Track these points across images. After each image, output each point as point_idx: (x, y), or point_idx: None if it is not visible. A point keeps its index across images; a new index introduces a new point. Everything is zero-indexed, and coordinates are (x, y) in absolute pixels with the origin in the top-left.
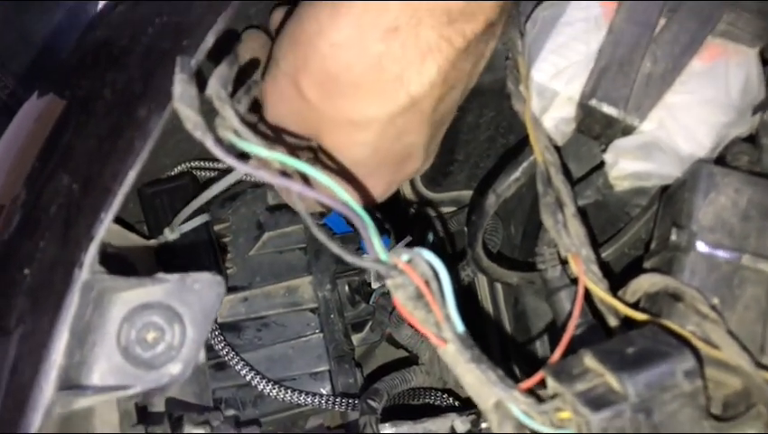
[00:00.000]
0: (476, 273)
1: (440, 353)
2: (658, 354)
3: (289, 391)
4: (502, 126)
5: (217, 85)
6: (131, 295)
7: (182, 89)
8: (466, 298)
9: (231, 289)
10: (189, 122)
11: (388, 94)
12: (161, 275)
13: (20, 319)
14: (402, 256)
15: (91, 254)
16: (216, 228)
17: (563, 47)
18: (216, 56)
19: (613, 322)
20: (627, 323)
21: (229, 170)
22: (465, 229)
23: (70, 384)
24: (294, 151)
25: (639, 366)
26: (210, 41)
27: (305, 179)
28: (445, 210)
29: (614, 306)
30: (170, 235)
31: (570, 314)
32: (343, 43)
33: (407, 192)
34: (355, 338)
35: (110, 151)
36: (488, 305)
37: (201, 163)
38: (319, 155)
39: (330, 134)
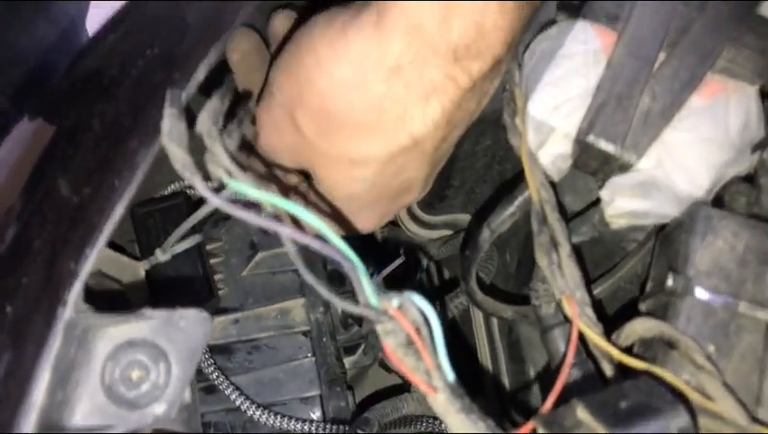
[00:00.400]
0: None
1: (430, 401)
2: (651, 410)
3: (279, 416)
4: (499, 154)
5: (208, 121)
6: (116, 331)
7: (170, 125)
8: (460, 326)
9: (222, 311)
10: (177, 162)
11: (390, 134)
12: (147, 311)
13: (0, 358)
14: (393, 301)
15: (75, 291)
16: (208, 247)
17: (561, 80)
18: (207, 87)
19: (607, 367)
20: (621, 367)
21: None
22: (460, 259)
23: (52, 425)
24: (285, 179)
25: (631, 422)
26: (201, 73)
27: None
28: (440, 233)
29: (609, 353)
30: (161, 256)
31: (564, 355)
32: (343, 82)
33: (402, 213)
34: (347, 361)
35: (97, 185)
36: (482, 332)
37: None
38: (312, 186)
39: (325, 168)
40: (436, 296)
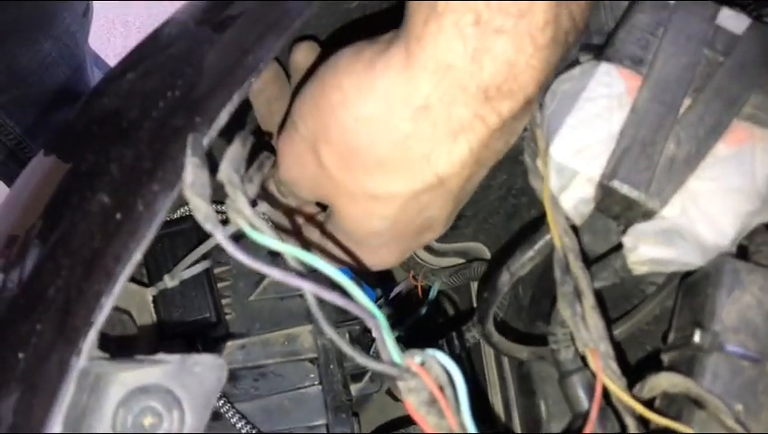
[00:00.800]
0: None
1: None
2: None
3: None
4: (515, 188)
5: (229, 169)
6: (129, 376)
7: (193, 176)
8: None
9: (229, 336)
10: (199, 213)
11: (414, 173)
12: (161, 356)
13: (10, 408)
14: (416, 358)
15: (90, 341)
16: (216, 271)
17: (584, 124)
18: (227, 127)
19: (630, 422)
20: (643, 420)
21: None
22: (477, 300)
23: None
24: (303, 213)
25: None
26: (224, 118)
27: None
28: (450, 260)
29: (633, 407)
30: (170, 282)
31: (586, 408)
32: (369, 119)
33: None
34: (354, 388)
35: (114, 232)
36: (492, 364)
37: None
38: (331, 220)
39: (346, 204)
40: (450, 327)
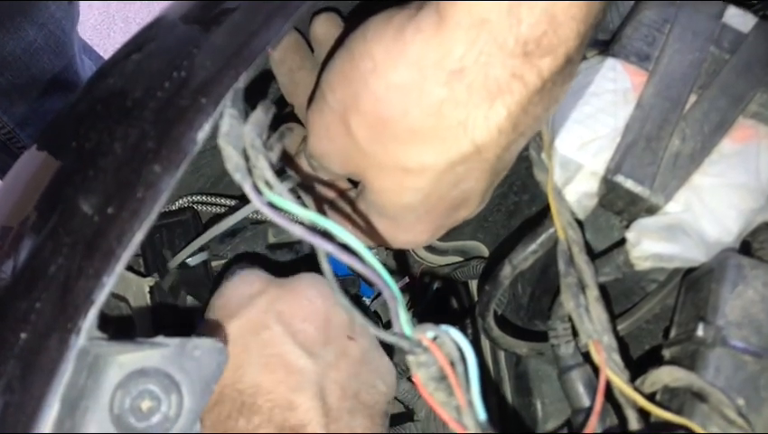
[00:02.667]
0: (480, 331)
1: None
2: None
3: None
4: (516, 184)
5: (252, 133)
6: (127, 359)
7: (229, 126)
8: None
9: None
10: (230, 162)
11: (449, 142)
12: (160, 339)
13: (8, 387)
14: (428, 333)
15: (90, 320)
16: (214, 264)
17: (590, 118)
18: (250, 97)
19: (631, 415)
20: (644, 413)
21: (235, 207)
22: (477, 293)
23: None
24: (333, 186)
25: None
26: (229, 99)
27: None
28: (449, 259)
29: (635, 400)
30: (167, 273)
31: (584, 399)
32: (401, 86)
33: None
34: None
35: (117, 211)
36: (488, 362)
37: (205, 197)
38: (362, 194)
39: (377, 176)
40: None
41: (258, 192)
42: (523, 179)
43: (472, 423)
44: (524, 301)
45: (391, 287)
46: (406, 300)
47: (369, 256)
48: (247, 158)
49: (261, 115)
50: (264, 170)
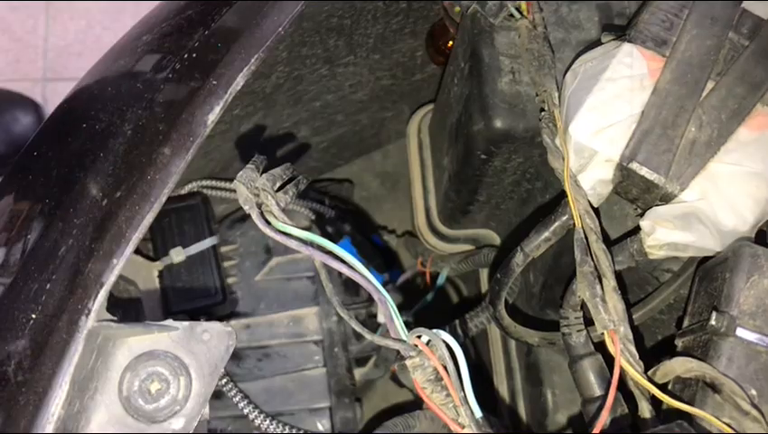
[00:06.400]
0: (489, 320)
1: None
2: None
3: (287, 427)
4: (529, 171)
5: (265, 180)
6: (137, 342)
7: (245, 174)
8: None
9: (234, 315)
10: (241, 197)
11: None
12: (169, 322)
13: (19, 365)
14: (422, 336)
15: (100, 301)
16: (223, 250)
17: (605, 105)
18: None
19: (644, 406)
20: (656, 402)
21: None
22: (490, 281)
23: None
24: None
25: None
26: (240, 82)
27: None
28: (460, 247)
29: (649, 390)
30: (176, 257)
31: (598, 389)
32: None
33: (422, 225)
34: (357, 373)
35: (127, 193)
36: (498, 352)
37: (215, 182)
38: None
39: None
40: (453, 315)
41: (266, 220)
42: (537, 166)
43: (469, 421)
44: (536, 290)
45: (383, 294)
46: (402, 301)
47: (361, 267)
48: (257, 195)
49: (279, 171)
50: (272, 206)
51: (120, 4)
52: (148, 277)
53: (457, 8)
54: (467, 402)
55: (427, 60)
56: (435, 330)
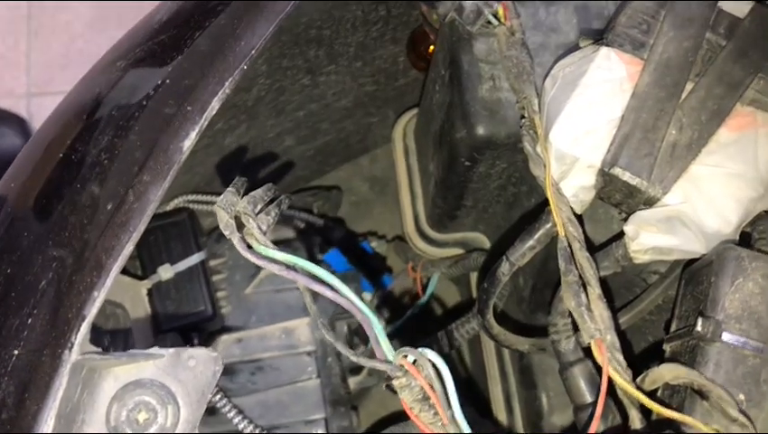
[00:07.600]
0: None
1: None
2: None
3: None
4: (514, 176)
5: (246, 202)
6: (122, 371)
7: (225, 198)
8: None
9: (225, 330)
10: (221, 222)
11: None
12: (155, 349)
13: (3, 403)
14: (408, 356)
15: (82, 334)
16: (211, 263)
17: (584, 110)
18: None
19: (634, 414)
20: (645, 410)
21: None
22: (477, 291)
23: None
24: None
25: None
26: (216, 107)
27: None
28: (449, 251)
29: (638, 399)
30: (164, 274)
31: (587, 397)
32: None
33: (410, 230)
34: (352, 381)
35: (106, 223)
36: (492, 357)
37: (199, 196)
38: None
39: None
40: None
41: (247, 244)
42: (521, 171)
43: None
44: (526, 294)
45: (367, 315)
46: (386, 317)
47: (345, 289)
48: (237, 219)
49: (261, 193)
50: (253, 229)
51: (102, 17)
52: (136, 296)
53: (435, 15)
54: (455, 421)
55: (410, 65)
56: (420, 349)
